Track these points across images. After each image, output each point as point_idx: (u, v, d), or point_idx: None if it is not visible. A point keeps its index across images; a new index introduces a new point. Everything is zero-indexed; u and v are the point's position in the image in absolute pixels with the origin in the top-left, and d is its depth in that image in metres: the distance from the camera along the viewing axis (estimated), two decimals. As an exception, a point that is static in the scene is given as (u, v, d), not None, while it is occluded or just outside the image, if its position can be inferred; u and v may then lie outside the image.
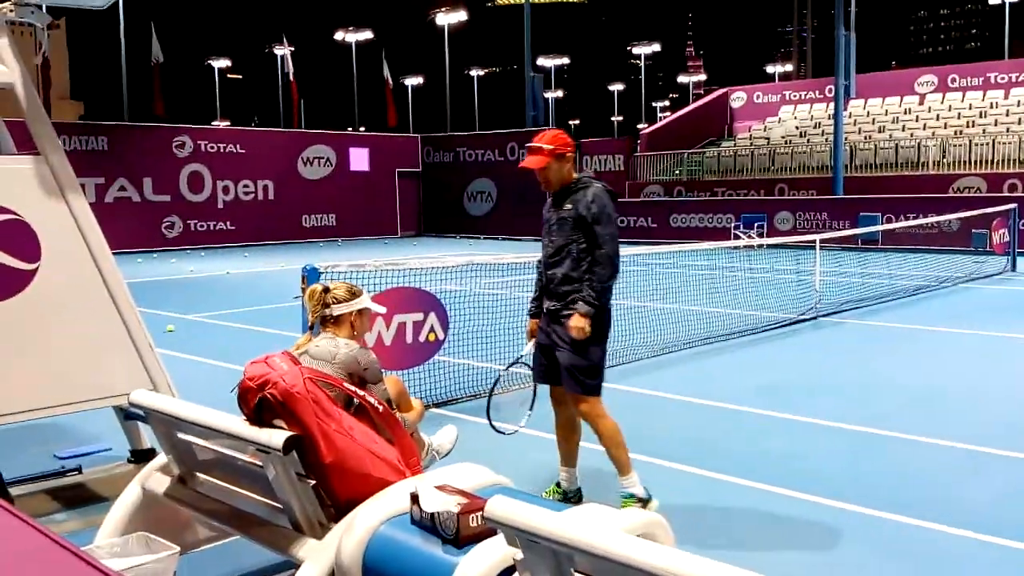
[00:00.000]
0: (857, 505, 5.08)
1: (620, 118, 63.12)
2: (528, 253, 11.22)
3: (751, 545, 4.60)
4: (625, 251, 13.31)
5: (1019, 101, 28.39)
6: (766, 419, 7.05)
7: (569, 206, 4.92)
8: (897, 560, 4.43)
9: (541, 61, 42.12)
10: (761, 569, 1.96)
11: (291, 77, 36.86)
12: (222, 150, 26.99)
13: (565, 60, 46.87)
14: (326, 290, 3.84)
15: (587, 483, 5.40)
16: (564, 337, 4.91)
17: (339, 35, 43.97)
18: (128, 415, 5.19)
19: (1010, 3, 42.38)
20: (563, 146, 4.91)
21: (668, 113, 42.28)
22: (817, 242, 12.66)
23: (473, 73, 54.17)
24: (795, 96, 34.28)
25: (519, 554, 2.51)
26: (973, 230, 18.97)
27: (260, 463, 3.23)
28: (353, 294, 3.88)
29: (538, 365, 5.10)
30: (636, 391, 8.00)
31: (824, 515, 5.00)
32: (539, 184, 5.09)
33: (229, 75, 50.31)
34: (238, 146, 27.42)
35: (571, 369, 4.90)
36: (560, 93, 53.98)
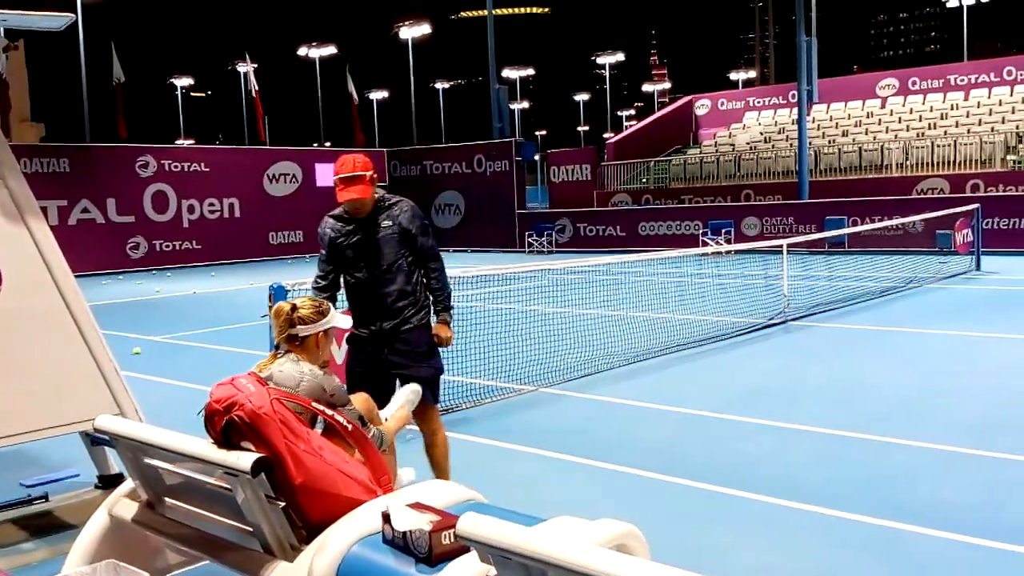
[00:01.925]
0: (833, 509, 5.10)
1: (586, 128, 63.39)
2: (498, 264, 11.26)
3: (727, 553, 4.61)
4: (595, 261, 13.34)
5: (979, 102, 28.84)
6: (739, 425, 7.07)
7: (388, 223, 4.94)
8: (876, 563, 4.45)
9: (506, 72, 42.22)
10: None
11: (254, 94, 36.69)
12: (186, 169, 26.79)
13: (530, 71, 47.00)
14: (293, 308, 3.75)
15: (527, 491, 5.39)
16: (416, 350, 4.98)
17: (303, 51, 43.86)
18: (95, 440, 5.12)
19: (968, 5, 43.05)
20: (371, 168, 4.95)
21: (634, 122, 42.50)
22: (784, 247, 12.75)
23: (438, 86, 54.17)
24: (759, 102, 34.61)
25: (492, 571, 2.49)
26: (937, 231, 19.23)
27: (229, 486, 3.20)
28: (320, 313, 3.79)
29: (364, 390, 4.46)
30: (608, 400, 8.01)
31: (799, 520, 5.02)
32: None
33: (192, 93, 50.00)
34: (202, 164, 27.24)
35: (426, 380, 4.96)
36: (526, 104, 54.12)
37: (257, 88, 36.39)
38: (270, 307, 5.52)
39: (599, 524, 2.96)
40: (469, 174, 29.43)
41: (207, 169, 27.20)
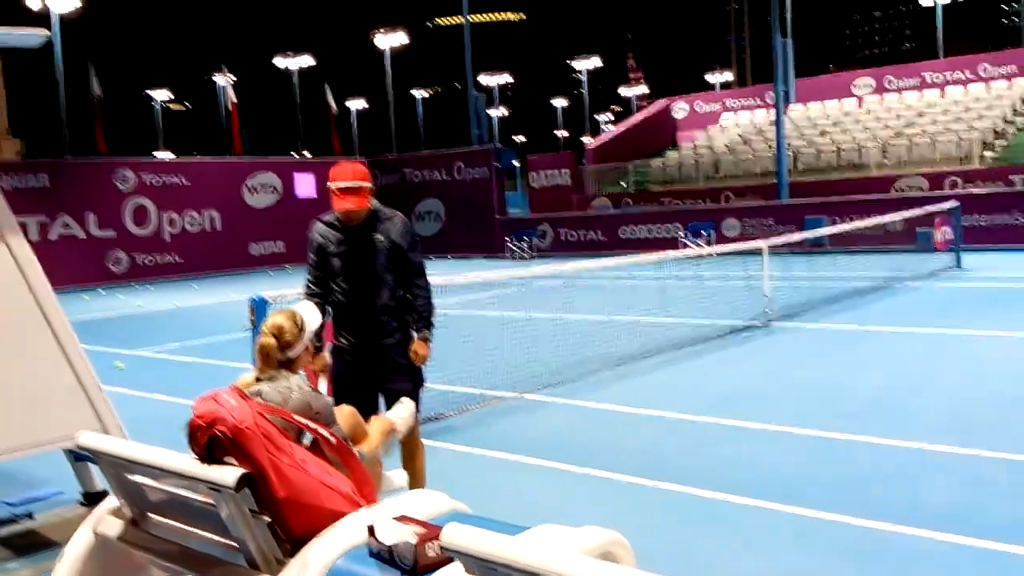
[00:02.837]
0: (816, 510, 5.13)
1: (565, 133, 63.54)
2: (477, 271, 11.28)
3: (712, 556, 4.63)
4: (575, 266, 13.36)
5: (955, 100, 29.04)
6: (721, 428, 7.11)
7: (380, 236, 4.96)
8: (858, 563, 4.48)
9: (483, 79, 42.28)
10: None
11: (230, 105, 36.57)
12: (166, 182, 26.71)
13: (507, 78, 47.09)
14: (281, 345, 3.61)
15: (511, 499, 5.41)
16: (398, 363, 4.99)
17: (279, 61, 43.78)
18: (78, 457, 5.10)
19: (942, 4, 43.41)
20: (368, 179, 4.97)
21: (612, 126, 42.60)
22: (764, 248, 12.79)
23: (416, 94, 54.17)
24: (736, 104, 34.79)
25: (477, 580, 2.50)
26: (917, 229, 19.31)
27: (213, 502, 3.19)
28: (300, 327, 3.72)
29: (349, 400, 4.48)
30: (591, 406, 8.03)
31: (784, 521, 5.05)
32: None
33: (170, 106, 49.83)
34: (182, 177, 27.16)
35: (411, 391, 5.00)
36: (504, 111, 54.18)
37: (235, 101, 36.29)
38: (251, 321, 5.50)
39: (584, 532, 2.97)
40: (448, 181, 29.44)
41: (187, 182, 27.14)
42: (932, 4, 44.36)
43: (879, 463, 6.04)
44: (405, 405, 4.67)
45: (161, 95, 48.44)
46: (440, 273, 5.35)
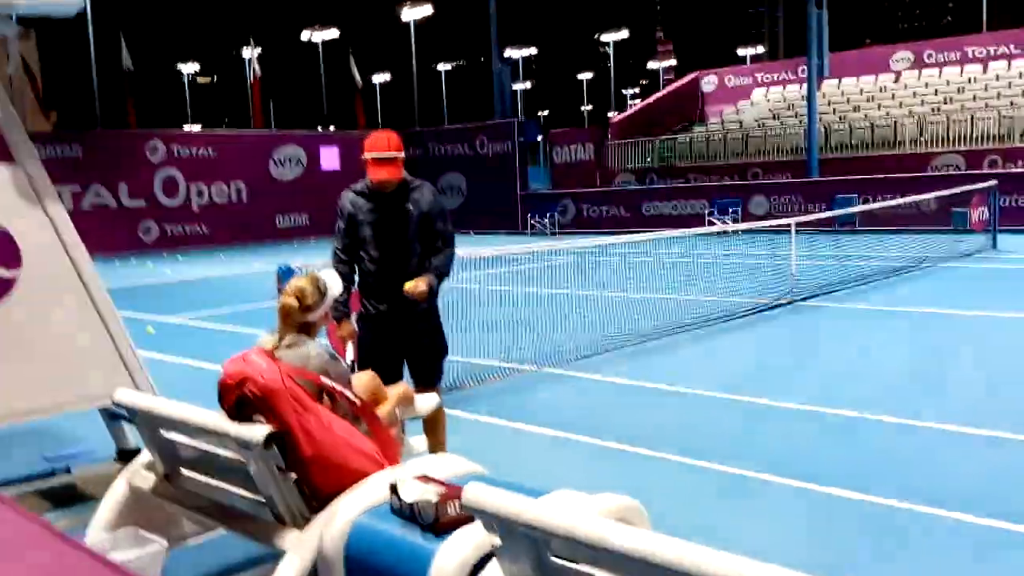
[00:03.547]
0: (838, 488, 5.16)
1: (590, 107, 63.04)
2: (501, 246, 11.35)
3: (731, 530, 4.69)
4: (599, 241, 13.39)
5: (997, 75, 28.27)
6: (744, 405, 7.16)
7: (411, 205, 5.04)
8: (877, 541, 4.53)
9: (508, 52, 42.08)
10: (741, 551, 2.06)
11: (254, 78, 36.68)
12: (194, 154, 27.00)
13: (533, 50, 46.80)
14: (302, 308, 3.66)
15: (529, 468, 5.51)
16: (423, 332, 5.13)
17: (305, 34, 43.81)
18: (113, 415, 5.28)
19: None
20: (403, 149, 5.06)
21: (638, 100, 42.32)
22: (792, 226, 12.74)
23: (440, 67, 53.95)
24: (767, 78, 34.32)
25: (496, 539, 2.59)
26: (952, 208, 18.89)
27: (242, 458, 3.33)
28: (321, 293, 3.75)
29: (374, 367, 4.58)
30: (612, 380, 8.11)
31: (804, 498, 5.09)
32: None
33: (199, 79, 50.04)
34: (210, 149, 27.45)
35: (436, 360, 5.18)
36: (528, 84, 53.92)
37: (259, 73, 36.40)
38: (279, 289, 5.66)
39: (600, 497, 3.06)
40: (471, 156, 29.45)
41: (215, 154, 27.41)
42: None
43: (903, 443, 6.04)
44: (431, 397, 4.79)
45: (190, 68, 48.66)
46: (461, 247, 5.44)
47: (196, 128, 40.46)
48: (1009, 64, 28.73)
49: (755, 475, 5.44)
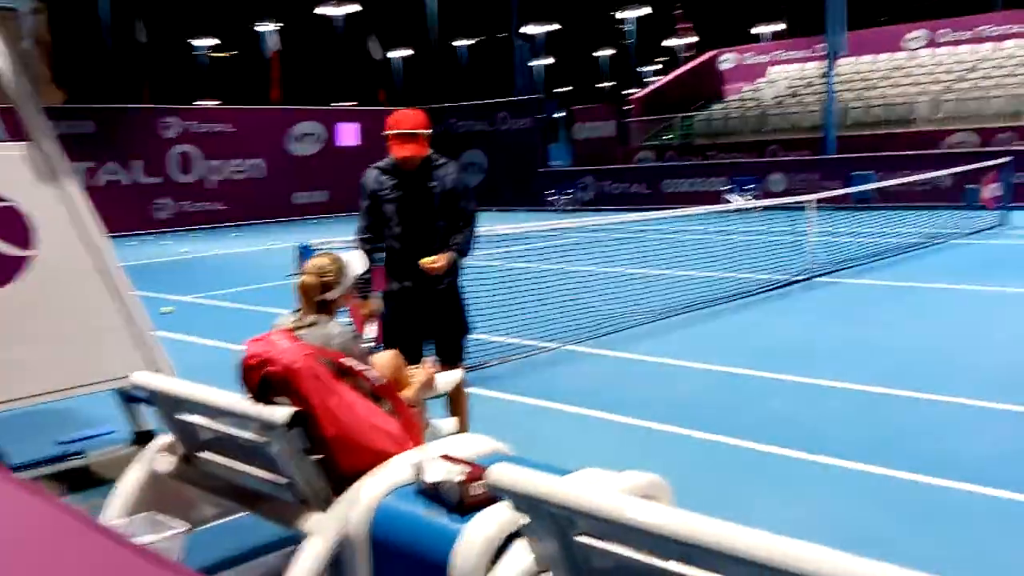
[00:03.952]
0: (856, 461, 5.15)
1: (611, 84, 62.83)
2: (520, 223, 11.30)
3: (751, 504, 4.67)
4: (619, 218, 13.33)
5: (1010, 54, 28.30)
6: (764, 381, 7.12)
7: (435, 182, 4.99)
8: (897, 513, 4.50)
9: (529, 29, 41.77)
10: (766, 527, 2.02)
11: (272, 53, 36.55)
12: (209, 130, 26.88)
13: (554, 26, 46.51)
14: (322, 285, 3.60)
15: (553, 445, 5.47)
16: (446, 310, 5.09)
17: (324, 9, 43.64)
18: (130, 397, 5.24)
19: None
20: (428, 126, 4.99)
21: (658, 78, 42.08)
22: (811, 203, 12.68)
23: (460, 43, 53.73)
24: (785, 56, 34.14)
25: (521, 519, 2.56)
26: (966, 185, 18.92)
27: (264, 440, 3.28)
28: (342, 273, 3.69)
29: (397, 345, 4.52)
30: (633, 357, 8.06)
31: (826, 473, 5.07)
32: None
33: (215, 54, 49.92)
34: (226, 125, 27.31)
35: (457, 338, 5.14)
36: (550, 60, 53.63)
37: (277, 48, 36.27)
38: (299, 269, 5.60)
39: (625, 475, 3.02)
40: (491, 132, 29.33)
41: (231, 130, 27.28)
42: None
43: (920, 417, 6.04)
44: (453, 373, 4.74)
45: (205, 43, 48.55)
46: (482, 223, 5.38)
47: (212, 103, 40.46)
48: (1022, 42, 28.52)
49: (774, 450, 5.42)
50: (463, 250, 5.07)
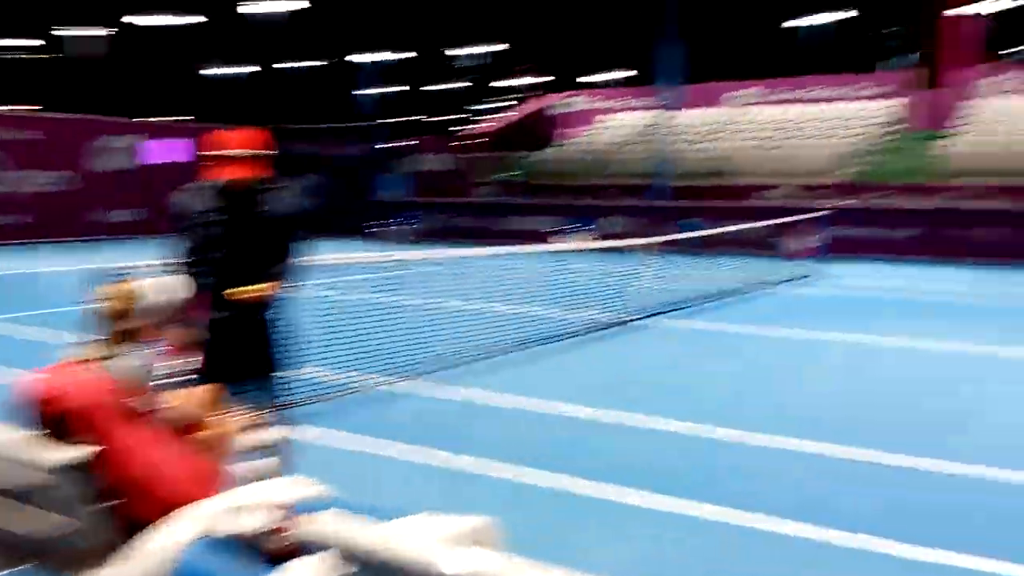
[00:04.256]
0: (682, 499, 5.28)
1: (452, 117, 63.27)
2: (351, 253, 11.07)
3: (579, 545, 4.66)
4: (454, 252, 13.17)
5: (831, 116, 30.37)
6: (589, 419, 7.18)
7: (265, 207, 4.85)
8: (712, 553, 4.60)
9: (365, 56, 41.47)
10: (592, 569, 1.97)
11: (86, 59, 34.54)
12: (15, 138, 25.29)
13: (390, 55, 46.20)
14: (119, 314, 3.39)
15: (374, 487, 5.33)
16: (260, 342, 4.87)
17: (143, 19, 41.90)
18: None
19: (817, 24, 45.28)
20: (264, 147, 4.81)
21: (503, 114, 42.72)
22: (642, 246, 13.04)
23: (294, 65, 52.68)
24: (622, 104, 35.31)
25: (339, 569, 2.43)
26: (783, 236, 20.07)
27: (47, 483, 2.99)
28: (148, 298, 3.49)
29: (219, 378, 4.43)
30: (467, 394, 8.01)
31: (648, 512, 5.16)
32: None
33: (34, 56, 47.15)
34: (35, 133, 25.79)
35: (270, 372, 4.92)
36: (387, 89, 53.58)
37: (98, 52, 34.49)
38: (103, 293, 5.24)
39: (452, 519, 2.91)
40: (325, 158, 28.89)
41: (39, 138, 25.72)
42: (808, 24, 46.18)
43: (734, 455, 6.32)
44: (268, 414, 4.51)
45: (20, 43, 45.85)
46: (309, 254, 5.20)
47: (22, 108, 38.14)
48: (841, 105, 30.85)
49: (601, 489, 5.48)
50: (282, 281, 4.87)
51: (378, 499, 3.28)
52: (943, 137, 27.10)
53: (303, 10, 33.49)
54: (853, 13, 43.64)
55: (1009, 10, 29.89)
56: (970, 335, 11.28)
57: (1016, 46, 36.53)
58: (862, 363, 9.79)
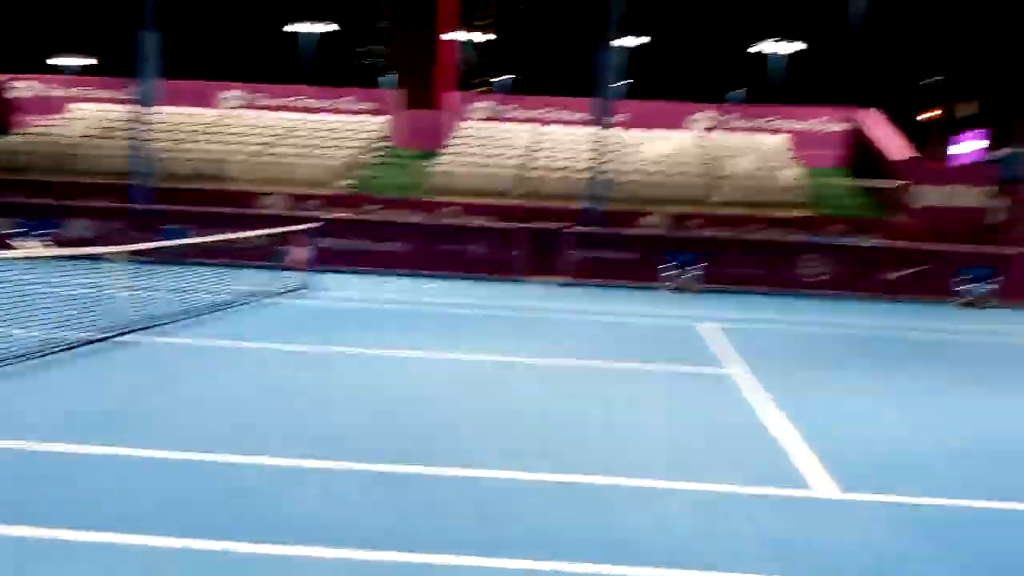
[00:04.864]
0: (160, 536, 4.87)
1: None
2: None
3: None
4: None
5: (321, 126, 30.87)
6: (80, 455, 6.41)
7: None
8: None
9: None
10: None
11: None
12: None
13: None
14: None
15: None
16: None
17: None
18: None
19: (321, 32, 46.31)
20: None
21: None
22: (120, 254, 12.01)
23: None
24: (93, 94, 32.66)
25: None
26: (278, 247, 19.80)
27: None
28: None
29: None
30: None
31: (132, 550, 4.73)
32: None
33: None
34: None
35: None
36: None
37: None
38: None
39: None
40: None
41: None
42: (307, 31, 46.94)
43: (233, 481, 5.99)
44: None
45: None
46: None
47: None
48: (333, 117, 31.67)
49: (76, 535, 4.91)
50: None
51: None
52: (430, 156, 28.79)
53: None
54: (335, 27, 45.36)
55: (491, 42, 32.94)
56: (459, 343, 12.15)
57: (498, 75, 40.50)
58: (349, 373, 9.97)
